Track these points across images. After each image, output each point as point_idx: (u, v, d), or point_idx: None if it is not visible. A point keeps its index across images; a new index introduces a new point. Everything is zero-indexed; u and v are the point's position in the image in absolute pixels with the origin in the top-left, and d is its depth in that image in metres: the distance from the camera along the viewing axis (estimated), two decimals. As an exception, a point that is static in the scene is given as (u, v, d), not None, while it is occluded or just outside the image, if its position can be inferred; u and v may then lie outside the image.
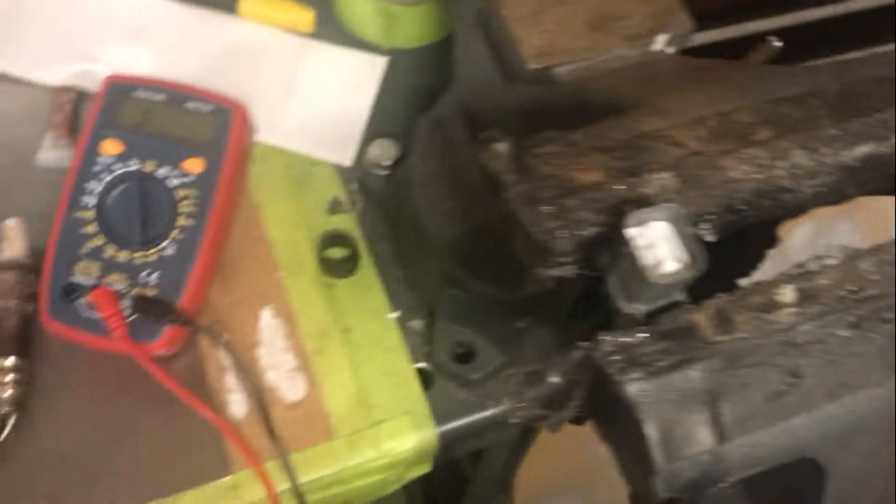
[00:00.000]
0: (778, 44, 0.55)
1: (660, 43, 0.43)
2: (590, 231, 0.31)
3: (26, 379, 0.51)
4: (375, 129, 0.62)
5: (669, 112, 0.33)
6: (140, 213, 0.51)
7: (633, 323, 0.30)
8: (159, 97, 0.53)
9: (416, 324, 0.56)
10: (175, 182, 0.52)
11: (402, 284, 0.57)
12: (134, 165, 0.52)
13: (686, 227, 0.29)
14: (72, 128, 0.60)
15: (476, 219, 0.51)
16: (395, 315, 0.56)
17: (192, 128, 0.53)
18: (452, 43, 0.54)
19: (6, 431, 0.50)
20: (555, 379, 0.29)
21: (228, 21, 0.64)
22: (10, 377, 0.50)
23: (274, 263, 0.57)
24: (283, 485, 0.51)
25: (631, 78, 0.40)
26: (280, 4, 0.64)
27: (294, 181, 0.60)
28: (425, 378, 0.54)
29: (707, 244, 0.36)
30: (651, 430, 0.28)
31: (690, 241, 0.29)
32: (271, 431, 0.51)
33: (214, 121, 0.53)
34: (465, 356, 0.53)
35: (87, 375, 0.53)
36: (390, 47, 0.65)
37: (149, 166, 0.52)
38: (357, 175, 0.60)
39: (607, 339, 0.31)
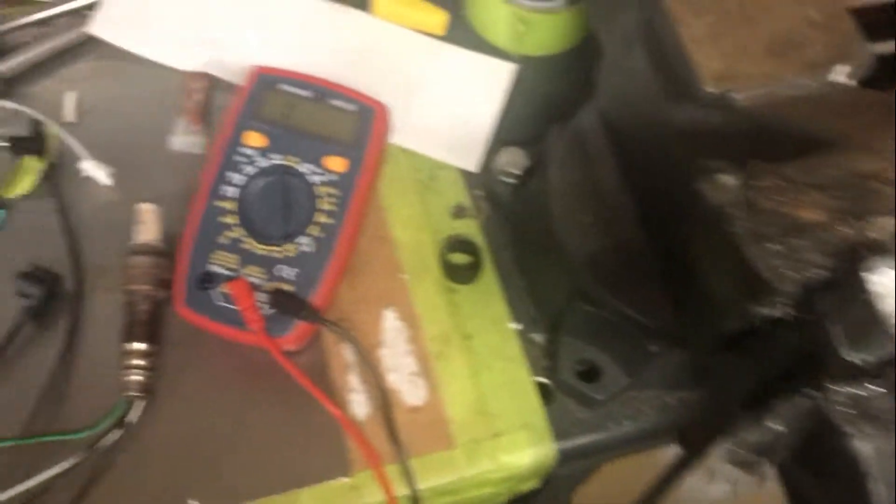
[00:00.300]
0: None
1: (839, 74, 0.42)
2: (817, 273, 0.30)
3: (155, 364, 0.52)
4: (502, 136, 0.61)
5: (882, 152, 0.32)
6: (282, 207, 0.51)
7: (853, 373, 0.29)
8: (305, 92, 0.53)
9: (538, 337, 0.55)
10: (317, 179, 0.52)
11: (524, 295, 0.57)
12: (277, 159, 0.52)
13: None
14: (204, 114, 0.60)
15: (618, 236, 0.50)
16: (516, 326, 0.56)
17: (336, 125, 0.53)
18: (593, 53, 0.53)
19: (134, 416, 0.50)
20: (777, 427, 0.29)
21: (362, 17, 0.64)
22: (139, 362, 0.51)
23: (398, 265, 0.57)
24: (401, 490, 0.51)
25: (813, 109, 0.40)
26: (414, 4, 0.64)
27: (420, 184, 0.60)
28: (545, 393, 0.54)
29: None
30: (881, 489, 0.28)
31: None
32: (394, 435, 0.51)
33: (358, 120, 0.53)
34: (590, 374, 0.53)
35: (213, 364, 0.53)
36: (520, 54, 0.65)
37: (291, 161, 0.52)
38: (483, 182, 0.60)
39: (838, 390, 0.30)
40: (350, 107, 0.53)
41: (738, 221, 0.30)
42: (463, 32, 0.66)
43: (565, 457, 0.53)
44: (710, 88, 0.41)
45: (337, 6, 0.65)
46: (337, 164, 0.52)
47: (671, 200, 0.47)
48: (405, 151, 0.61)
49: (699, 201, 0.32)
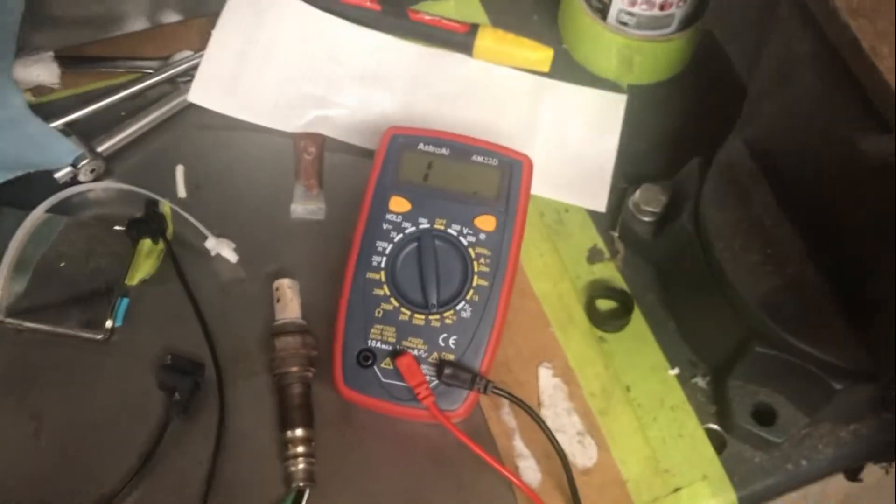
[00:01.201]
0: None
1: None
2: None
3: (314, 451, 0.49)
4: (625, 171, 0.59)
5: None
6: (434, 273, 0.49)
7: None
8: (443, 150, 0.51)
9: (701, 381, 0.53)
10: (468, 240, 0.49)
11: (677, 339, 0.55)
12: (424, 223, 0.50)
13: None
14: (321, 178, 0.58)
15: (789, 273, 0.48)
16: (674, 372, 0.54)
17: (480, 182, 0.51)
18: (702, 85, 0.51)
19: (305, 506, 0.48)
20: None
21: (464, 61, 0.62)
22: (302, 449, 0.48)
23: (544, 318, 0.55)
24: (587, 557, 0.48)
25: None
26: (518, 43, 0.62)
27: (548, 229, 0.58)
28: (716, 440, 0.52)
29: None
30: None
31: None
32: (576, 498, 0.48)
33: (501, 174, 0.51)
34: (766, 417, 0.51)
35: (371, 443, 0.50)
36: (627, 84, 0.63)
37: (439, 224, 0.50)
38: (617, 221, 0.57)
39: None
40: (492, 161, 0.51)
41: None
42: (564, 66, 0.64)
43: (744, 503, 0.51)
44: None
45: (438, 52, 0.62)
46: (487, 222, 0.50)
47: (860, 234, 0.45)
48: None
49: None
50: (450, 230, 0.50)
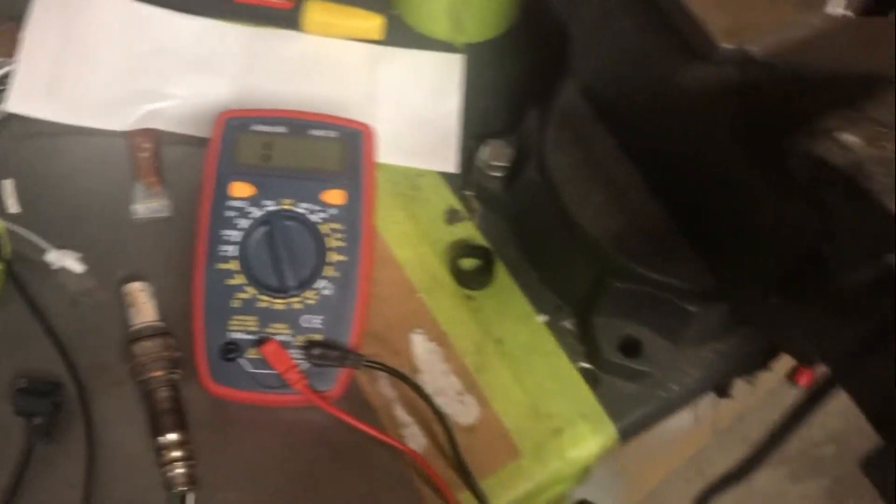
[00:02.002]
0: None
1: (836, 6, 0.42)
2: None
3: (192, 453, 0.47)
4: (473, 130, 0.60)
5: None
6: (288, 255, 0.48)
7: None
8: (280, 128, 0.50)
9: (568, 324, 0.55)
10: (318, 217, 0.49)
11: (541, 286, 0.56)
12: (270, 205, 0.49)
13: None
14: (159, 173, 0.55)
15: (636, 209, 0.50)
16: (543, 318, 0.55)
17: (322, 156, 0.50)
18: (543, 29, 0.52)
19: (188, 510, 0.46)
20: None
21: (295, 37, 0.61)
22: (178, 453, 0.47)
23: (410, 284, 0.54)
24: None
25: (832, 45, 0.40)
26: (346, 12, 0.61)
27: (403, 197, 0.58)
28: (590, 378, 0.53)
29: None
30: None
31: None
32: (460, 459, 0.49)
33: (344, 145, 0.50)
34: (632, 349, 0.52)
35: (251, 436, 0.49)
36: (463, 43, 0.63)
37: (286, 204, 0.49)
38: (471, 180, 0.58)
39: None
40: (333, 134, 0.50)
41: (877, 179, 0.30)
42: (401, 32, 0.63)
43: (625, 434, 0.53)
44: (726, 45, 0.41)
45: (266, 30, 0.61)
46: (335, 196, 0.49)
47: (696, 164, 0.47)
48: (378, 166, 0.58)
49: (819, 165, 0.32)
50: (298, 209, 0.49)
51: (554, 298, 0.55)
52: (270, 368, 0.46)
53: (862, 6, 0.43)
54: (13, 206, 0.54)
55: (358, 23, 0.61)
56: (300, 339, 0.47)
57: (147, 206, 0.54)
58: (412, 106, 0.60)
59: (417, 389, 0.49)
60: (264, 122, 0.50)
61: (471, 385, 0.52)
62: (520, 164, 0.56)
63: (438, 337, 0.53)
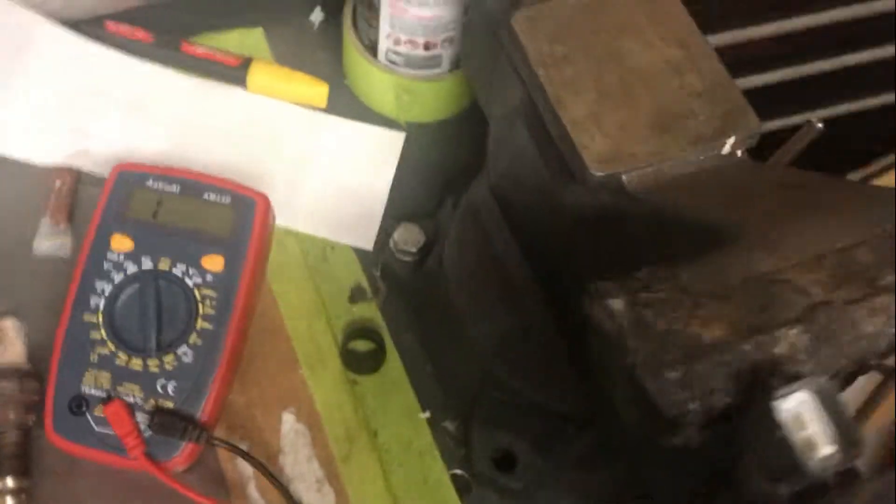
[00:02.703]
0: (819, 126, 0.53)
1: (729, 145, 0.40)
2: (723, 401, 0.27)
3: (28, 501, 0.46)
4: (395, 211, 0.58)
5: (780, 246, 0.30)
6: (155, 316, 0.47)
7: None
8: (173, 188, 0.49)
9: (450, 425, 0.52)
10: (193, 281, 0.48)
11: (432, 381, 0.54)
12: (147, 264, 0.48)
13: (837, 402, 0.26)
14: (70, 213, 0.55)
15: (523, 316, 0.48)
16: (425, 415, 0.53)
17: (211, 221, 0.49)
18: (482, 126, 0.51)
19: (10, 562, 0.45)
20: None
21: (237, 94, 0.61)
22: (10, 501, 0.45)
23: (294, 360, 0.53)
24: None
25: (705, 190, 0.38)
26: (292, 77, 0.61)
27: (311, 268, 0.56)
28: (462, 485, 0.51)
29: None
30: None
31: (845, 420, 0.26)
32: (301, 553, 0.47)
33: (235, 213, 0.49)
34: (506, 463, 0.50)
35: (94, 494, 0.48)
36: (406, 122, 0.62)
37: (163, 264, 0.48)
38: (380, 261, 0.56)
39: None
40: (224, 199, 0.49)
41: (633, 351, 0.28)
42: (346, 102, 0.63)
43: (489, 550, 0.50)
44: (597, 171, 0.39)
45: (209, 83, 0.61)
46: (214, 263, 0.48)
47: (572, 282, 0.44)
48: (293, 234, 0.57)
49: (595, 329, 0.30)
50: (174, 270, 0.48)
51: (441, 396, 0.53)
52: (113, 429, 0.45)
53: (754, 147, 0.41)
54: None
55: (302, 89, 0.61)
56: (150, 404, 0.46)
57: (48, 243, 0.54)
58: (343, 178, 0.59)
59: (268, 474, 0.47)
60: (158, 178, 0.50)
61: (333, 475, 0.50)
62: (428, 251, 0.54)
63: (311, 418, 0.51)
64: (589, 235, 0.41)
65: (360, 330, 0.54)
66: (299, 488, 0.49)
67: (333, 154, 0.60)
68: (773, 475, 0.26)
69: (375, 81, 0.60)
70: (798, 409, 0.26)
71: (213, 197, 0.49)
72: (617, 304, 0.28)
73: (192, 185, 0.49)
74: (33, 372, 0.49)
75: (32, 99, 0.58)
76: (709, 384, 0.27)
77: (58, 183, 0.56)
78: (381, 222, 0.58)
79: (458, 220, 0.51)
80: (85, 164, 0.57)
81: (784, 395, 0.26)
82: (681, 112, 0.41)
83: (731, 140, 0.40)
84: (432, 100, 0.61)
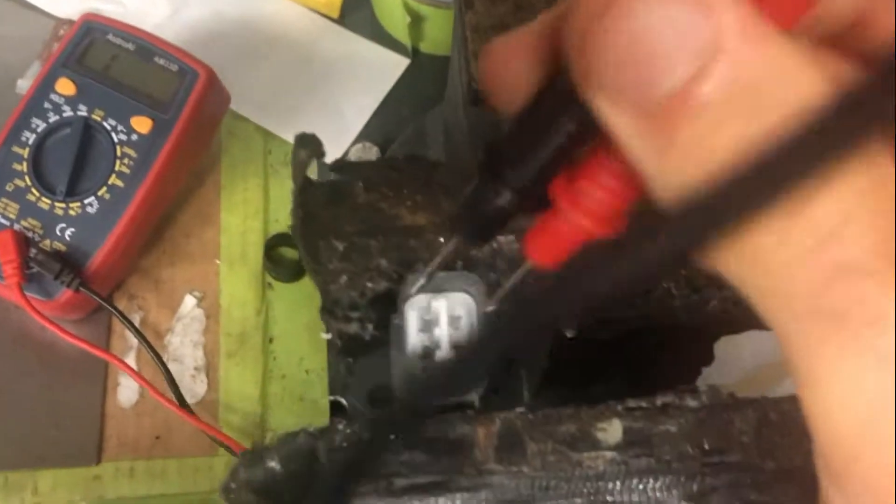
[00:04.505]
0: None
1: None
2: (381, 285, 0.24)
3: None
4: (371, 133, 0.56)
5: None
6: (73, 161, 0.47)
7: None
8: (129, 45, 0.49)
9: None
10: (119, 138, 0.48)
11: (346, 305, 0.51)
12: (82, 111, 0.48)
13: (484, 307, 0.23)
14: (60, 62, 0.56)
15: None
16: (326, 336, 0.50)
17: (153, 84, 0.49)
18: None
19: None
20: (273, 464, 0.23)
21: (253, -13, 0.60)
22: None
23: (216, 249, 0.52)
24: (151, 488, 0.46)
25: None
26: (309, -20, 0.60)
27: (268, 168, 0.55)
28: (338, 412, 0.48)
29: (603, 347, 0.29)
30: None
31: (486, 327, 0.22)
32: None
33: (177, 81, 0.49)
34: (384, 401, 0.47)
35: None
36: (416, 50, 0.59)
37: (97, 115, 0.48)
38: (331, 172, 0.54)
39: (340, 430, 0.24)
40: (172, 66, 0.49)
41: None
42: (364, 20, 0.61)
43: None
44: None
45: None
46: (143, 124, 0.48)
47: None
48: (264, 132, 0.56)
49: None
50: (104, 123, 0.48)
51: (349, 322, 0.51)
52: (-1, 255, 0.46)
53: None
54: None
55: (318, -6, 0.60)
56: (45, 244, 0.46)
57: (28, 83, 0.55)
58: (331, 90, 0.58)
59: (145, 342, 0.46)
60: (118, 34, 0.50)
61: (213, 367, 0.49)
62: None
63: (212, 308, 0.50)
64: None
65: (290, 237, 0.52)
66: (175, 369, 0.48)
67: (329, 64, 0.59)
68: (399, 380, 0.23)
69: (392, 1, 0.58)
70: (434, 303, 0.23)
71: (161, 62, 0.49)
72: (303, 153, 0.26)
73: (147, 47, 0.49)
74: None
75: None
76: (371, 261, 0.24)
77: (58, 31, 0.57)
78: (352, 142, 0.56)
79: (399, 144, 0.49)
80: (93, 23, 0.58)
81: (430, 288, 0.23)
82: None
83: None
84: (440, 29, 0.58)
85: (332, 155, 0.53)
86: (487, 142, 0.16)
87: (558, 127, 0.14)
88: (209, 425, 0.45)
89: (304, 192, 0.28)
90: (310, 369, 0.49)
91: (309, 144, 0.29)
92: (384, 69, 0.59)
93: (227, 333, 0.50)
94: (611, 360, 0.32)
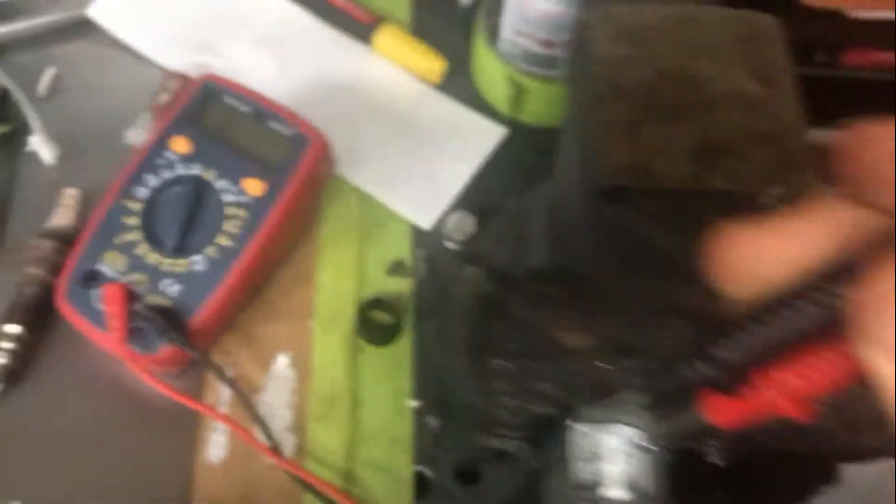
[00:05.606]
0: None
1: (773, 196, 0.35)
2: (543, 409, 0.24)
3: (26, 352, 0.49)
4: (467, 201, 0.57)
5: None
6: (184, 219, 0.48)
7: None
8: (245, 108, 0.51)
9: (433, 422, 0.50)
10: (229, 198, 0.49)
11: (433, 372, 0.51)
12: (195, 170, 0.49)
13: (650, 445, 0.22)
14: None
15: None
16: (414, 404, 0.50)
17: (266, 147, 0.50)
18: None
19: (-11, 399, 0.48)
20: None
21: (359, 50, 0.62)
22: (9, 345, 0.48)
23: (310, 308, 0.53)
24: (232, 548, 0.46)
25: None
26: (414, 47, 0.61)
27: (364, 229, 0.56)
28: (422, 484, 0.48)
29: (715, 468, 0.28)
30: None
31: (654, 467, 0.22)
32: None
33: (290, 146, 0.50)
34: (471, 476, 0.47)
35: (89, 368, 0.50)
36: (513, 119, 0.60)
37: (209, 175, 0.49)
38: (429, 242, 0.55)
39: None
40: (285, 131, 0.50)
41: (473, 320, 0.25)
42: (462, 87, 0.62)
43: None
44: (611, 180, 0.35)
45: (337, 34, 0.62)
46: (254, 186, 0.49)
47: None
48: (360, 193, 0.57)
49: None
50: (216, 183, 0.49)
51: (436, 391, 0.51)
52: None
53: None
54: (42, 91, 0.59)
55: (421, 60, 0.61)
56: (150, 299, 0.47)
57: (138, 135, 0.57)
58: (429, 154, 0.58)
59: (244, 398, 0.47)
60: (235, 96, 0.51)
61: (301, 429, 0.49)
62: (472, 245, 0.52)
63: (303, 369, 0.51)
64: (597, 255, 0.38)
65: (385, 302, 0.53)
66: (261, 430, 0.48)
67: (427, 130, 0.59)
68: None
69: (490, 69, 0.59)
70: (603, 437, 0.22)
71: (276, 126, 0.50)
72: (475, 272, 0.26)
73: (262, 110, 0.50)
74: (73, 241, 0.51)
75: (177, 8, 0.62)
76: (534, 384, 0.24)
77: (168, 85, 0.59)
78: (448, 208, 0.56)
79: (503, 219, 0.49)
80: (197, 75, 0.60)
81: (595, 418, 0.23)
82: (732, 149, 0.36)
83: (777, 192, 0.35)
84: (541, 102, 0.58)
85: (426, 221, 0.55)
86: (696, 314, 0.16)
87: (795, 326, 0.14)
88: (300, 467, 0.45)
89: (477, 308, 0.28)
90: (395, 437, 0.49)
91: (479, 261, 0.29)
92: (481, 137, 0.59)
93: (317, 395, 0.50)
94: (725, 472, 0.32)
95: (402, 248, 0.55)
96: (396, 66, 0.62)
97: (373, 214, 0.56)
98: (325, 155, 0.51)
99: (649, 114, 0.37)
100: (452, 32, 0.64)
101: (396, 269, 0.54)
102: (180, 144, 0.50)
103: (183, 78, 0.59)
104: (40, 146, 0.56)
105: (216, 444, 0.48)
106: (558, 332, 0.26)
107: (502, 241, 0.49)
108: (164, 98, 0.58)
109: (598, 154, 0.36)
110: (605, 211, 0.35)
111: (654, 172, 0.36)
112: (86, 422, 0.49)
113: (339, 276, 0.54)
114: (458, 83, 0.61)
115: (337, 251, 0.55)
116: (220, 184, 0.49)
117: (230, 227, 0.48)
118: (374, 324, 0.52)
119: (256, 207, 0.49)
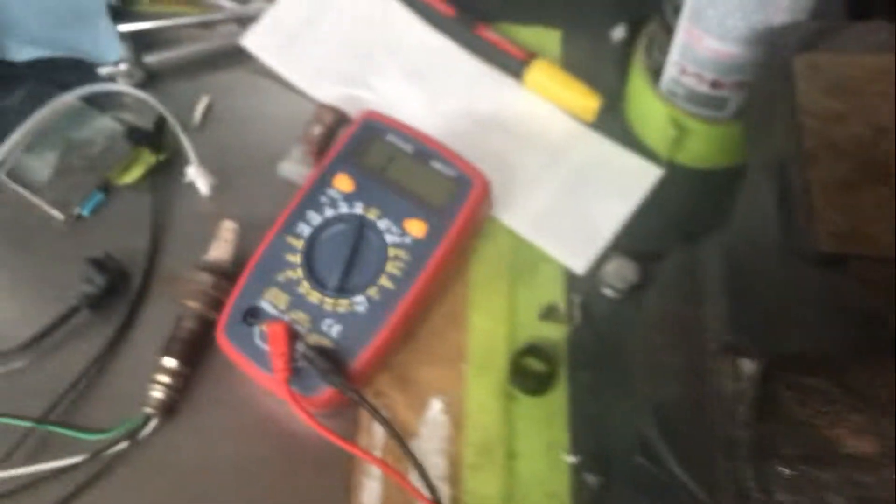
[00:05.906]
0: None
1: None
2: None
3: (181, 386, 0.49)
4: (621, 245, 0.55)
5: None
6: (347, 259, 0.47)
7: None
8: (407, 147, 0.50)
9: (592, 479, 0.48)
10: (392, 239, 0.48)
11: (591, 426, 0.49)
12: (358, 209, 0.49)
13: None
14: (322, 148, 0.58)
15: (687, 390, 0.42)
16: (571, 459, 0.49)
17: (429, 188, 0.49)
18: (741, 180, 0.46)
19: (147, 432, 0.48)
20: None
21: (510, 85, 0.60)
22: (166, 379, 0.48)
23: (463, 353, 0.51)
24: None
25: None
26: (569, 84, 0.59)
27: (516, 272, 0.54)
28: (580, 544, 0.46)
29: None
30: None
31: None
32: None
33: (453, 187, 0.49)
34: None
35: (244, 403, 0.50)
36: (669, 160, 0.58)
37: (372, 214, 0.48)
38: (584, 288, 0.53)
39: None
40: (448, 172, 0.49)
41: (746, 426, 0.23)
42: (616, 125, 0.60)
43: None
44: (826, 248, 0.33)
45: (489, 69, 0.61)
46: (417, 228, 0.48)
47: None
48: (511, 234, 0.55)
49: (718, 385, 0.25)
50: (379, 223, 0.48)
51: (594, 446, 0.49)
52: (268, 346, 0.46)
53: None
54: (196, 120, 0.59)
55: (574, 97, 0.59)
56: (312, 339, 0.47)
57: (291, 168, 0.57)
58: (582, 195, 0.57)
59: (402, 444, 0.46)
60: (397, 135, 0.50)
61: (455, 479, 0.48)
62: (635, 293, 0.50)
63: (457, 415, 0.50)
64: (803, 324, 0.36)
65: (539, 349, 0.51)
66: (418, 477, 0.47)
67: (581, 169, 0.58)
68: None
69: (649, 108, 0.57)
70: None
71: (438, 166, 0.49)
72: (748, 365, 0.24)
73: (425, 150, 0.50)
74: (231, 274, 0.51)
75: (332, 41, 0.62)
76: (824, 496, 0.22)
77: (321, 118, 0.59)
78: (602, 252, 0.55)
79: (671, 269, 0.47)
80: (352, 110, 0.59)
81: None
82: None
83: None
84: (703, 143, 0.56)
85: (579, 264, 0.53)
86: None
87: None
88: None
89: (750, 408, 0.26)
90: (552, 492, 0.48)
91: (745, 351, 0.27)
92: (637, 178, 0.57)
93: (471, 444, 0.49)
94: None
95: (554, 292, 0.54)
96: (548, 102, 0.60)
97: (523, 255, 0.55)
98: (486, 196, 0.49)
99: (867, 174, 0.35)
100: (603, 68, 0.62)
101: (549, 313, 0.53)
102: (343, 182, 0.49)
103: (335, 111, 0.59)
104: (197, 177, 0.56)
105: (370, 490, 0.47)
106: (838, 432, 0.24)
107: (668, 296, 0.46)
108: (317, 130, 0.58)
109: (812, 217, 0.34)
110: (830, 280, 0.33)
111: (875, 238, 0.34)
112: (238, 459, 0.49)
113: (491, 320, 0.52)
114: (609, 120, 0.60)
115: (488, 293, 0.53)
116: (383, 224, 0.48)
117: (392, 268, 0.47)
118: (528, 372, 0.51)
119: (419, 249, 0.48)
